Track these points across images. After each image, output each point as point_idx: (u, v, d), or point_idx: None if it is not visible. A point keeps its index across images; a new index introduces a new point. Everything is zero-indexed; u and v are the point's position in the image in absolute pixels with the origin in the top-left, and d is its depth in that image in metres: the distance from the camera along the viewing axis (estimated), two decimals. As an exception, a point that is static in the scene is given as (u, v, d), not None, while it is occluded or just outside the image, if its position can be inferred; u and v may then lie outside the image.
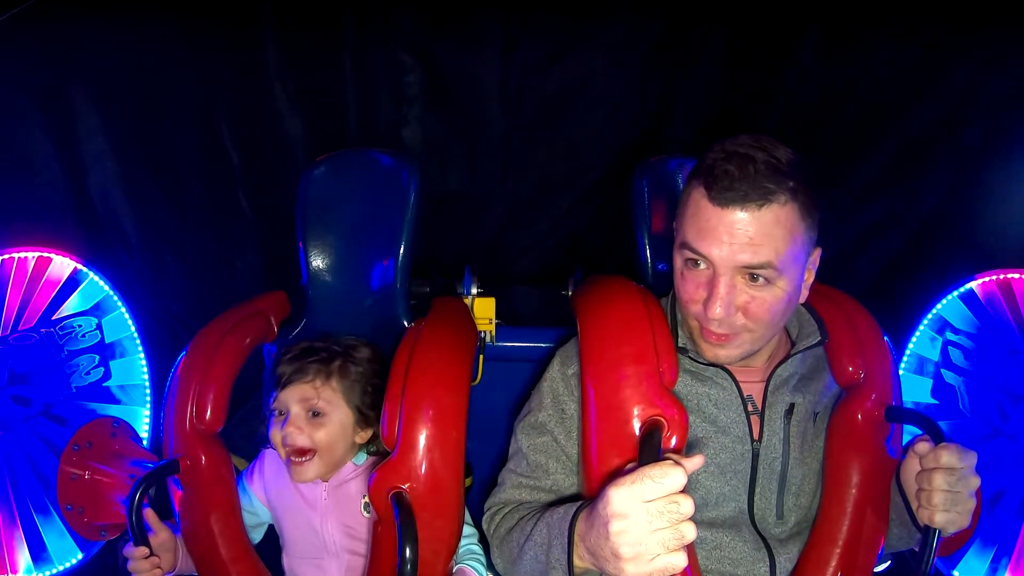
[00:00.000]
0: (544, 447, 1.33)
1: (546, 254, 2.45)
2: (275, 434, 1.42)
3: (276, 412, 1.44)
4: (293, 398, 1.42)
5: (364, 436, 1.47)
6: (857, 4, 2.00)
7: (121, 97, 1.97)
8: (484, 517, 1.38)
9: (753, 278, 1.15)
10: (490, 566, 1.40)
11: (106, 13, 1.85)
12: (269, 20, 2.07)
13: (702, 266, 1.18)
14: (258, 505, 1.53)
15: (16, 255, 1.82)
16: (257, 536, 1.56)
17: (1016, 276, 1.84)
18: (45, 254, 1.84)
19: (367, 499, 1.34)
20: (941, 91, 2.04)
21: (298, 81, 2.16)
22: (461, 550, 1.35)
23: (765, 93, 2.18)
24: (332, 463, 1.44)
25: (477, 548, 1.42)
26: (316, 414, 1.42)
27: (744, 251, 1.12)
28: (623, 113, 2.26)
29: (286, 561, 1.52)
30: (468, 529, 1.38)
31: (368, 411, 1.45)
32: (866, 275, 2.26)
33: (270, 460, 1.54)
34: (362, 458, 1.48)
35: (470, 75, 2.20)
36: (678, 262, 1.22)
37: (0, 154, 1.82)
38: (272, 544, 1.58)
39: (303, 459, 1.40)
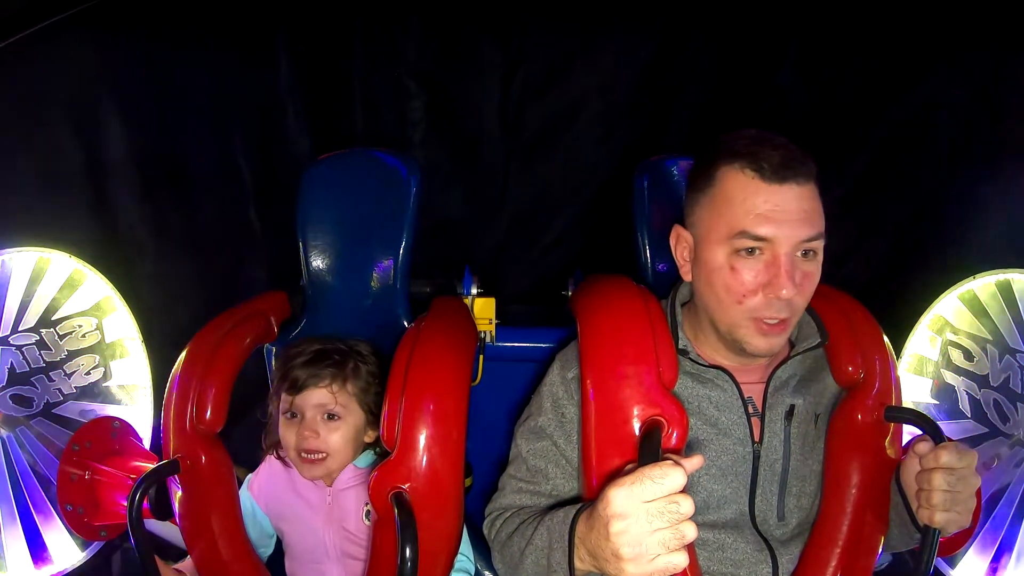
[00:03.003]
0: (544, 452, 1.33)
1: (544, 273, 2.50)
2: (287, 435, 1.44)
3: (289, 414, 1.45)
4: (310, 403, 1.42)
5: (372, 436, 1.48)
6: (832, 25, 2.09)
7: (143, 112, 2.06)
8: (485, 523, 1.38)
9: (806, 253, 1.17)
10: (493, 571, 1.40)
11: (132, 34, 1.95)
12: (283, 46, 2.21)
13: (759, 251, 1.16)
14: (260, 515, 1.54)
15: (16, 255, 1.81)
16: (267, 551, 1.56)
17: (1016, 276, 1.83)
18: (45, 254, 1.84)
19: (369, 507, 1.34)
20: (911, 99, 2.13)
21: (308, 103, 2.28)
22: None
23: (752, 107, 2.26)
24: (342, 463, 1.46)
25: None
26: (331, 417, 1.43)
27: (804, 225, 1.15)
28: (617, 132, 2.34)
29: (288, 564, 1.53)
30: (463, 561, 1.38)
31: (377, 411, 1.45)
32: (862, 276, 2.27)
33: (268, 469, 1.55)
34: (364, 461, 1.49)
35: (471, 100, 2.30)
36: (720, 258, 1.18)
37: (24, 158, 1.88)
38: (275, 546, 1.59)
39: (314, 456, 1.41)
